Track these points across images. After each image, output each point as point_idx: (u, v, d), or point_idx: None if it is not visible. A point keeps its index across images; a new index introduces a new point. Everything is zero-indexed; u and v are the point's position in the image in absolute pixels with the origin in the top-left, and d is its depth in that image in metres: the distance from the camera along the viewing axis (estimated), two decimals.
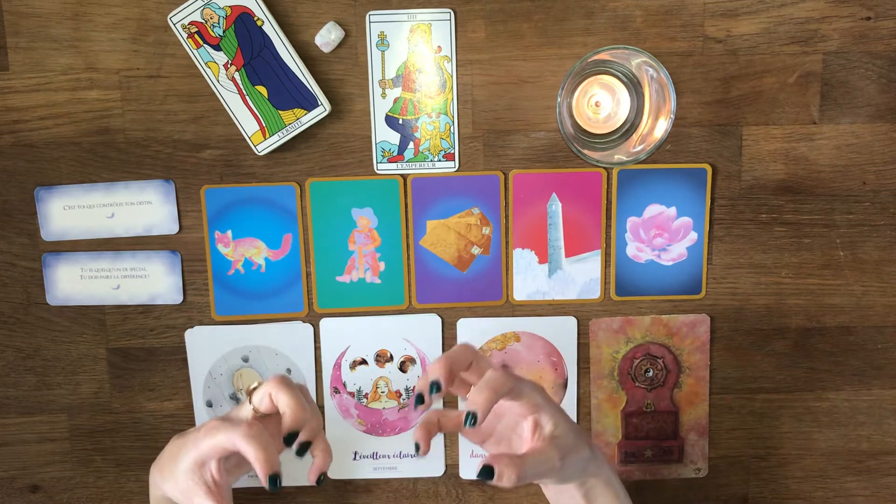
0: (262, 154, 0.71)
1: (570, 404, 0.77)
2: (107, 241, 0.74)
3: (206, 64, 0.70)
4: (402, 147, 0.72)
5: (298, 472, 0.68)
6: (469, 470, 0.77)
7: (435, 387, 0.54)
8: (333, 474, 0.77)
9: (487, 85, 0.72)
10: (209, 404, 0.76)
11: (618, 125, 0.68)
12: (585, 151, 0.64)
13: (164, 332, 0.75)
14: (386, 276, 0.74)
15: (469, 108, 0.72)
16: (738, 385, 0.77)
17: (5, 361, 0.76)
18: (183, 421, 0.77)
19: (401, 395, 0.76)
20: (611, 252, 0.74)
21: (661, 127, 0.63)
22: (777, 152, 0.73)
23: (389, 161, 0.73)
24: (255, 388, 0.58)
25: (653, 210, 0.74)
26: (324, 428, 0.74)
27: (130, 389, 0.76)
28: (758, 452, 0.78)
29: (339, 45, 0.71)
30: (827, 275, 0.75)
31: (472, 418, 0.51)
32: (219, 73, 0.70)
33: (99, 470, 0.78)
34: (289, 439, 0.56)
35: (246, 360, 0.76)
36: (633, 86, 0.66)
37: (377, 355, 0.76)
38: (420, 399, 0.54)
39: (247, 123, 0.71)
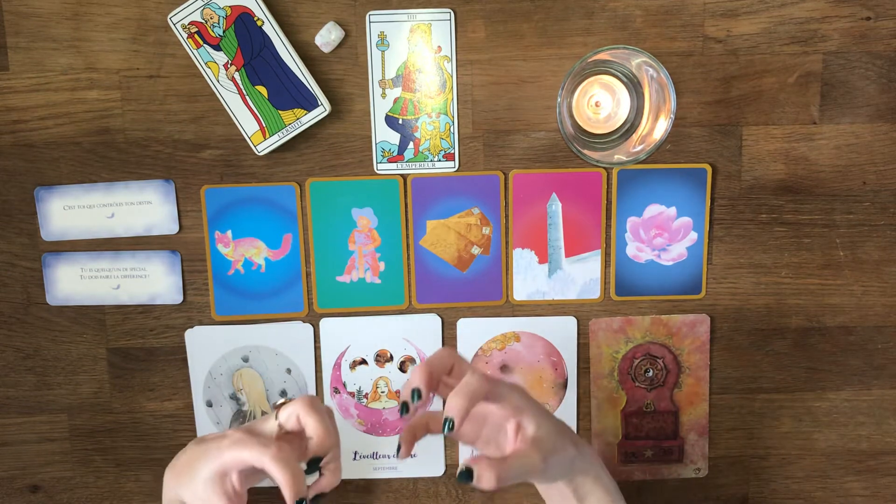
0: (262, 154, 0.71)
1: (570, 404, 0.77)
2: (107, 241, 0.74)
3: (206, 64, 0.70)
4: (402, 147, 0.72)
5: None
6: None
7: (416, 394, 0.54)
8: None
9: (487, 85, 0.72)
10: (209, 404, 0.76)
11: (618, 125, 0.68)
12: (585, 151, 0.64)
13: (164, 332, 0.75)
14: (386, 276, 0.74)
15: (469, 108, 0.72)
16: (738, 385, 0.77)
17: (5, 361, 0.76)
18: (183, 421, 0.77)
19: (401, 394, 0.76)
20: (611, 252, 0.74)
21: (661, 127, 0.63)
22: (777, 152, 0.73)
23: (389, 161, 0.73)
24: (282, 404, 0.58)
25: (653, 210, 0.74)
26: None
27: (130, 389, 0.76)
28: (758, 452, 0.78)
29: (339, 45, 0.71)
30: (827, 275, 0.75)
31: (448, 424, 0.52)
32: (219, 73, 0.70)
33: (99, 470, 0.78)
34: (311, 464, 0.56)
35: (246, 360, 0.76)
36: (633, 86, 0.66)
37: (377, 355, 0.76)
38: (405, 408, 0.55)
39: (247, 123, 0.71)
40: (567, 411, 0.77)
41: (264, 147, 0.71)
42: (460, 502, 0.78)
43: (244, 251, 0.74)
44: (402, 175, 0.73)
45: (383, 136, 0.72)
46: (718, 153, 0.73)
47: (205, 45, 0.70)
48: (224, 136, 0.72)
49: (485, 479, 0.51)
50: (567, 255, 0.74)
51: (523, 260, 0.74)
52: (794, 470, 0.79)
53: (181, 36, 0.69)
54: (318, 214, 0.73)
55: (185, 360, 0.76)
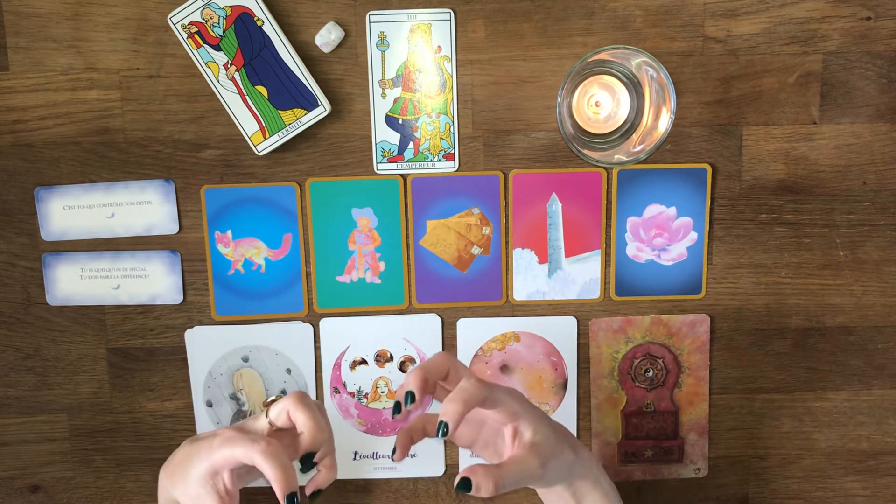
0: (262, 154, 0.71)
1: (570, 404, 0.77)
2: (107, 241, 0.74)
3: (206, 64, 0.70)
4: (402, 147, 0.72)
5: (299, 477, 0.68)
6: None
7: (409, 397, 0.55)
8: None
9: (487, 85, 0.72)
10: (209, 404, 0.76)
11: (618, 125, 0.67)
12: (585, 151, 0.64)
13: (164, 332, 0.75)
14: (386, 276, 0.74)
15: (469, 108, 0.72)
16: (738, 385, 0.77)
17: (5, 361, 0.76)
18: (183, 421, 0.77)
19: None
20: (611, 252, 0.74)
21: (662, 127, 0.63)
22: (777, 152, 0.73)
23: (389, 161, 0.73)
24: (272, 402, 0.58)
25: (653, 210, 0.74)
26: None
27: (130, 389, 0.76)
28: (758, 452, 0.78)
29: (339, 45, 0.71)
30: (827, 275, 0.75)
31: (443, 429, 0.52)
32: (219, 73, 0.70)
33: (99, 470, 0.78)
34: (304, 460, 0.56)
35: (246, 360, 0.76)
36: (633, 86, 0.66)
37: (377, 355, 0.76)
38: (397, 408, 0.55)
39: (247, 123, 0.71)
40: (567, 411, 0.77)
41: (264, 147, 0.71)
42: (460, 502, 0.78)
43: (244, 251, 0.74)
44: (402, 175, 0.73)
45: (383, 136, 0.72)
46: (718, 153, 0.73)
47: (205, 45, 0.70)
48: (224, 136, 0.72)
49: (483, 488, 0.52)
50: (567, 255, 0.74)
51: (523, 260, 0.74)
52: (794, 470, 0.79)
53: (181, 36, 0.69)
54: (318, 214, 0.73)
55: (185, 360, 0.76)
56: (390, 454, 0.55)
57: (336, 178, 0.73)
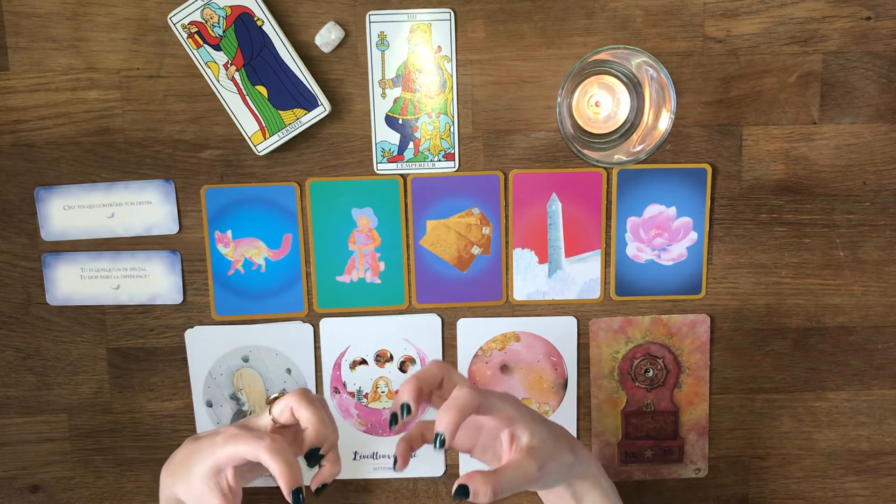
0: (262, 154, 0.71)
1: (570, 404, 0.77)
2: (107, 241, 0.74)
3: (206, 64, 0.70)
4: (402, 147, 0.72)
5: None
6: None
7: (405, 409, 0.55)
8: None
9: (487, 85, 0.72)
10: (209, 404, 0.76)
11: (618, 125, 0.67)
12: (585, 151, 0.64)
13: (164, 332, 0.75)
14: (386, 276, 0.74)
15: (469, 108, 0.72)
16: (738, 385, 0.77)
17: (5, 361, 0.76)
18: (183, 421, 0.77)
19: None
20: (611, 252, 0.74)
21: (662, 127, 0.63)
22: (777, 152, 0.73)
23: (389, 161, 0.73)
24: (275, 399, 0.58)
25: (653, 210, 0.74)
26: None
27: (130, 389, 0.76)
28: (758, 452, 0.78)
29: (339, 45, 0.71)
30: (827, 275, 0.75)
31: (439, 440, 0.52)
32: (219, 73, 0.70)
33: (99, 470, 0.78)
34: (310, 456, 0.56)
35: (246, 360, 0.76)
36: (633, 86, 0.66)
37: (377, 355, 0.76)
38: (394, 420, 0.55)
39: (247, 123, 0.71)
40: (567, 411, 0.77)
41: (264, 147, 0.71)
42: (460, 503, 0.78)
43: (244, 251, 0.74)
44: (402, 175, 0.73)
45: (383, 136, 0.72)
46: (718, 153, 0.73)
47: (205, 45, 0.70)
48: (224, 136, 0.72)
49: (481, 494, 0.52)
50: (567, 255, 0.74)
51: (523, 260, 0.74)
52: (794, 470, 0.79)
53: (181, 36, 0.69)
54: (318, 214, 0.73)
55: (185, 360, 0.76)
56: (392, 465, 0.56)
57: (336, 178, 0.73)
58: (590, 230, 0.74)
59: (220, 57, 0.70)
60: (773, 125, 0.73)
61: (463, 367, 0.76)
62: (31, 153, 0.72)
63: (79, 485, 0.78)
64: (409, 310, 0.75)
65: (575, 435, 0.77)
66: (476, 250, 0.74)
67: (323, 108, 0.70)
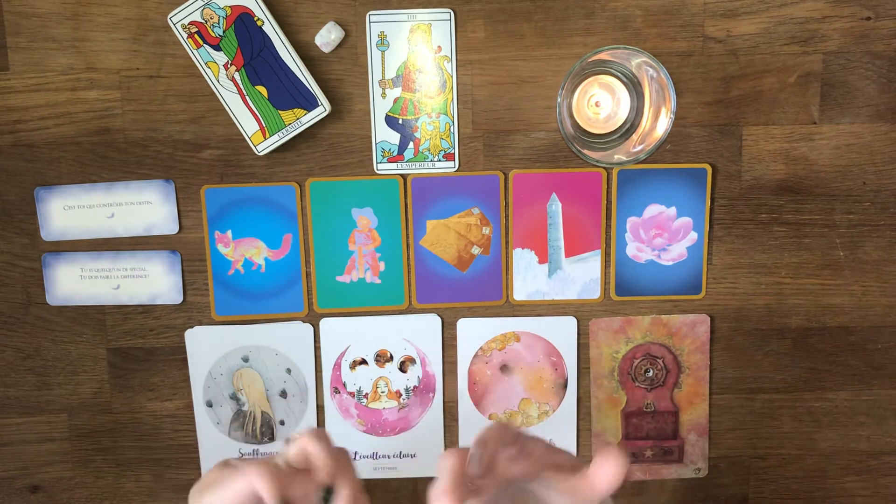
0: (262, 154, 0.71)
1: (570, 404, 0.77)
2: (107, 241, 0.74)
3: (206, 64, 0.70)
4: (402, 147, 0.72)
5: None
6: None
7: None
8: None
9: (487, 85, 0.72)
10: (209, 404, 0.76)
11: (618, 125, 0.67)
12: (585, 151, 0.64)
13: (164, 332, 0.75)
14: (386, 276, 0.74)
15: (469, 108, 0.72)
16: (738, 385, 0.77)
17: (5, 361, 0.76)
18: (183, 421, 0.77)
19: (401, 395, 0.76)
20: (611, 252, 0.74)
21: (662, 127, 0.63)
22: (777, 152, 0.73)
23: (389, 161, 0.73)
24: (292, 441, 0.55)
25: (653, 210, 0.74)
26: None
27: (130, 389, 0.76)
28: (758, 452, 0.78)
29: (339, 45, 0.71)
30: (827, 275, 0.75)
31: None
32: (219, 73, 0.70)
33: (99, 470, 0.78)
34: (325, 494, 0.53)
35: (246, 360, 0.76)
36: (633, 86, 0.66)
37: (377, 355, 0.76)
38: None
39: (247, 123, 0.71)
40: (567, 411, 0.77)
41: (264, 147, 0.71)
42: None
43: (244, 251, 0.74)
44: (402, 175, 0.73)
45: (383, 136, 0.72)
46: (718, 153, 0.73)
47: (205, 45, 0.70)
48: (224, 136, 0.72)
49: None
50: (567, 255, 0.74)
51: (523, 260, 0.74)
52: (794, 470, 0.79)
53: (181, 36, 0.69)
54: (318, 214, 0.73)
55: (185, 360, 0.76)
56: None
57: (336, 178, 0.73)
58: (590, 230, 0.74)
59: (220, 57, 0.70)
60: (773, 125, 0.73)
61: (463, 367, 0.76)
62: (31, 153, 0.72)
63: (79, 485, 0.78)
64: (409, 310, 0.75)
65: (575, 435, 0.77)
66: (476, 250, 0.74)
67: (323, 108, 0.70)
